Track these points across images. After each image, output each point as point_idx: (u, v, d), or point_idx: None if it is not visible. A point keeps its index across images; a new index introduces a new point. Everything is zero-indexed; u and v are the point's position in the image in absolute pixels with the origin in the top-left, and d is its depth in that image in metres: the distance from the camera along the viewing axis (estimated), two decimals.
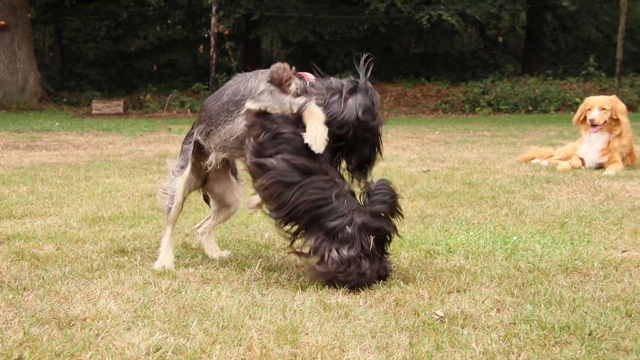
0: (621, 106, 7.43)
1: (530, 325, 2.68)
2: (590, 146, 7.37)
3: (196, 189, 3.75)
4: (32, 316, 2.75)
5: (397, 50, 27.25)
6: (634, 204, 5.26)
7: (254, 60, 26.04)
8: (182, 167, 3.59)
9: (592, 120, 7.31)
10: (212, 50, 20.33)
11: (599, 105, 7.34)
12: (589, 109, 7.41)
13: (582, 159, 7.45)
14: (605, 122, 7.30)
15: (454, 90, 21.49)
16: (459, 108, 19.98)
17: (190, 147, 3.62)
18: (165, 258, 3.57)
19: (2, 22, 20.93)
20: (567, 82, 20.89)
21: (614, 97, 7.59)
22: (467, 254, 3.82)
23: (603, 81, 20.80)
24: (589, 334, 2.59)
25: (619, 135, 7.30)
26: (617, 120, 7.33)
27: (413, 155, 8.94)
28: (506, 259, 3.71)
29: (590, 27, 25.03)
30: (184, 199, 3.66)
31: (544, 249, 3.89)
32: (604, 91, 20.01)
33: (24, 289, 3.13)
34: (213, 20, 20.42)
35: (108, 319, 2.74)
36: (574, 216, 4.81)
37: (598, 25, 25.16)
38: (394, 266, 3.50)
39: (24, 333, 2.56)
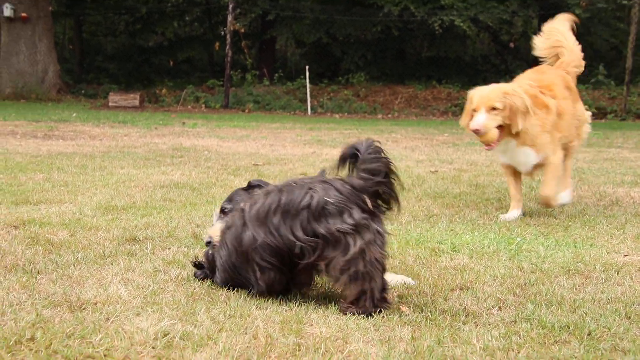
0: (519, 102, 4.67)
1: (531, 324, 2.72)
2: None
3: None
4: (45, 299, 2.82)
5: (410, 54, 27.27)
6: (638, 210, 5.28)
7: (269, 59, 26.13)
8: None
9: (475, 132, 4.66)
10: (227, 47, 20.41)
11: (486, 104, 4.71)
12: (474, 109, 4.82)
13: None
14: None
15: (465, 93, 21.43)
16: None
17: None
18: None
19: (24, 14, 21.13)
20: None
21: (511, 87, 4.86)
22: (472, 253, 3.86)
23: (612, 89, 20.75)
24: (588, 334, 2.61)
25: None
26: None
27: (422, 156, 8.98)
28: (510, 259, 3.75)
29: (600, 36, 24.94)
30: None
31: (547, 251, 3.93)
32: (613, 99, 19.95)
33: (38, 273, 3.21)
34: (229, 17, 20.51)
35: (118, 304, 2.79)
36: (578, 220, 4.85)
37: (608, 35, 25.04)
38: (399, 262, 3.56)
39: (37, 315, 2.62)
